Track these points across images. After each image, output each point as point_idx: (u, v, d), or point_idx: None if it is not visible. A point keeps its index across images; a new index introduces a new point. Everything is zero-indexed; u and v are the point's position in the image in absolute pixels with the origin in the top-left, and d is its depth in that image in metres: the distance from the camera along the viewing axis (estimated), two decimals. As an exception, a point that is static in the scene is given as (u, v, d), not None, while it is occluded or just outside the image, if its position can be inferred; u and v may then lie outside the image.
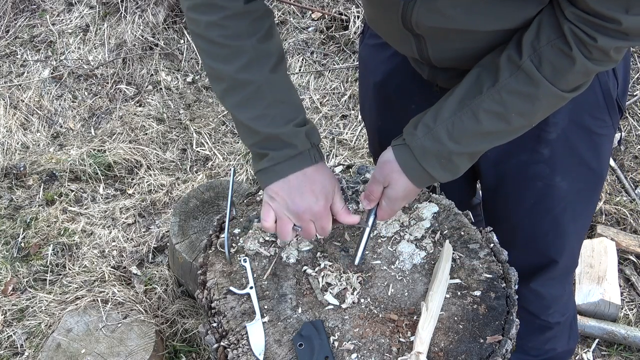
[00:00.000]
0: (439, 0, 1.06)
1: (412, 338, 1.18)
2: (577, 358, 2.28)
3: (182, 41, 3.81)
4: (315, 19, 3.77)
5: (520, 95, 1.06)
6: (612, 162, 2.95)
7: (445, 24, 1.10)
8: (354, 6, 3.70)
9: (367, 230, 1.27)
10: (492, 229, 1.41)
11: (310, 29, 3.75)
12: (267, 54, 1.16)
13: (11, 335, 2.35)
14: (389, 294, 1.27)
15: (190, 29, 1.19)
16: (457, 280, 1.29)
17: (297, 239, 1.38)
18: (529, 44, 1.04)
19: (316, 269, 1.32)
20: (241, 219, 1.45)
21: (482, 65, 1.12)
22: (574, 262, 1.64)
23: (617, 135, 3.02)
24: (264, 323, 1.21)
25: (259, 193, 1.52)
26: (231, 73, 1.14)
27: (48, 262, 2.62)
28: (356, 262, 1.29)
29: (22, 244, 2.73)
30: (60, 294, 2.46)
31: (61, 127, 3.42)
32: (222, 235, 1.37)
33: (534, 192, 1.43)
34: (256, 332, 1.20)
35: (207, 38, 1.14)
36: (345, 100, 3.44)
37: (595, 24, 0.96)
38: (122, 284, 2.47)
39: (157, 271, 2.54)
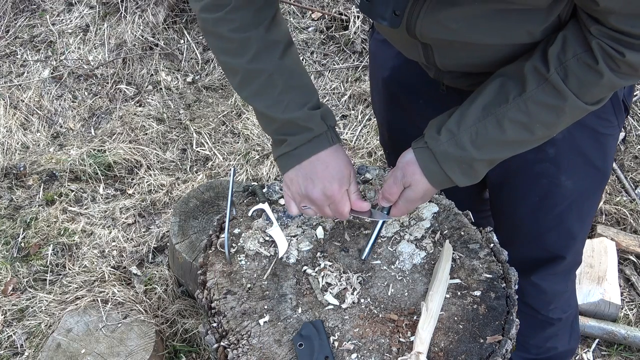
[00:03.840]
0: (442, 14, 1.06)
1: (412, 338, 1.18)
2: (577, 358, 2.28)
3: (182, 41, 3.81)
4: (315, 19, 3.77)
5: (546, 106, 1.07)
6: (612, 162, 2.95)
7: (449, 36, 1.11)
8: (353, 6, 3.70)
9: (378, 225, 1.27)
10: (492, 228, 1.41)
11: (310, 29, 3.75)
12: (275, 42, 1.19)
13: (11, 335, 2.35)
14: (389, 294, 1.27)
15: (202, 28, 1.23)
16: (457, 280, 1.29)
17: (297, 240, 1.38)
18: (555, 57, 1.04)
19: (316, 269, 1.32)
20: (241, 219, 1.45)
21: (506, 74, 1.12)
22: (577, 260, 1.66)
23: (621, 135, 3.02)
24: (264, 323, 1.22)
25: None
26: (243, 64, 1.18)
27: (48, 262, 2.62)
28: (364, 256, 1.29)
29: (22, 244, 2.73)
30: (60, 294, 2.46)
31: (61, 127, 3.42)
32: (222, 235, 1.37)
33: (539, 190, 1.44)
34: (277, 235, 1.36)
35: (217, 34, 1.18)
36: (345, 100, 3.44)
37: (621, 40, 0.98)
38: (122, 284, 2.47)
39: (157, 271, 2.54)
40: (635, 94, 3.23)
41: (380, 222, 1.28)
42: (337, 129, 1.27)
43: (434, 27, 1.10)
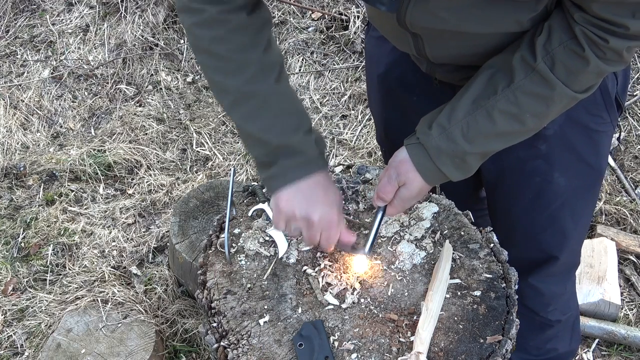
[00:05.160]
0: (431, 2, 1.07)
1: (412, 338, 1.18)
2: (577, 358, 2.28)
3: (182, 41, 3.81)
4: (315, 19, 3.77)
5: (535, 96, 1.08)
6: (612, 162, 2.95)
7: (439, 25, 1.11)
8: (354, 6, 3.70)
9: (377, 221, 1.27)
10: (492, 228, 1.41)
11: (310, 29, 3.75)
12: (271, 65, 1.17)
13: (11, 335, 2.35)
14: (389, 294, 1.27)
15: (194, 45, 1.19)
16: (457, 280, 1.29)
17: (297, 240, 1.38)
18: (542, 46, 1.05)
19: (316, 269, 1.32)
20: (241, 219, 1.45)
21: (494, 66, 1.12)
22: (574, 260, 1.65)
23: (616, 135, 3.02)
24: (264, 323, 1.22)
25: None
26: (238, 86, 1.14)
27: (48, 262, 2.62)
28: (366, 251, 1.29)
29: (22, 244, 2.73)
30: (60, 294, 2.46)
31: (61, 127, 3.42)
32: (222, 235, 1.37)
33: (532, 188, 1.44)
34: (277, 235, 1.35)
35: (212, 53, 1.15)
36: (345, 100, 3.44)
37: (604, 27, 0.99)
38: (122, 284, 2.47)
39: (157, 271, 2.54)
40: (635, 94, 3.23)
41: (379, 217, 1.27)
42: (327, 150, 1.25)
43: (423, 16, 1.11)
